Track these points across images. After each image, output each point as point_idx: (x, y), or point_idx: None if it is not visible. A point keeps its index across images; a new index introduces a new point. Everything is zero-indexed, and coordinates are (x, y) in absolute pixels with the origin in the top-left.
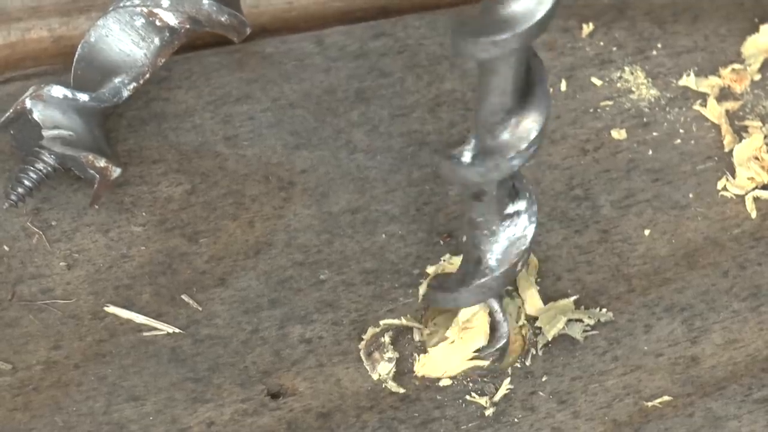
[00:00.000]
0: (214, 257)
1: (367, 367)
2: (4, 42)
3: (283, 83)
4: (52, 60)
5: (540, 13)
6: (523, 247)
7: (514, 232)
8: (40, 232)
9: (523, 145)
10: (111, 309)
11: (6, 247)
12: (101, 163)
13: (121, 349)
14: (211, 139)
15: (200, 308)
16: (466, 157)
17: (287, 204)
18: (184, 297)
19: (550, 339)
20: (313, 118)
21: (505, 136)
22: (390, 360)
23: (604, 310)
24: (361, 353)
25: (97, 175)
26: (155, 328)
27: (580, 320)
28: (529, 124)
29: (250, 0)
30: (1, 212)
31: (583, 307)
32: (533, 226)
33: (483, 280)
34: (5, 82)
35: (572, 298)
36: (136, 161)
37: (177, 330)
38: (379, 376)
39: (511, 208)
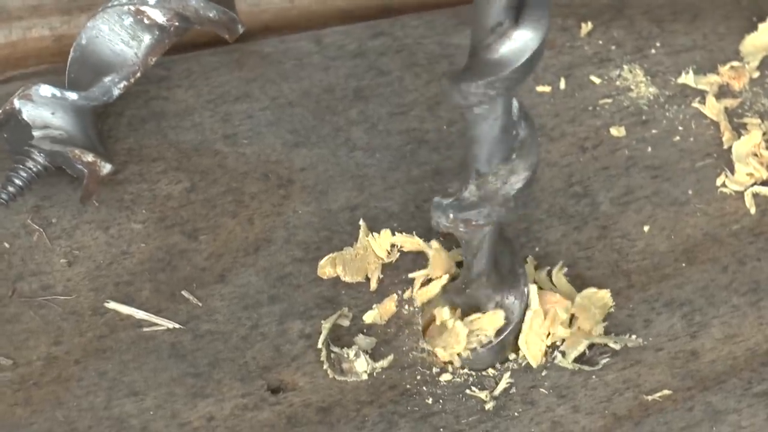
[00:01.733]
0: (213, 254)
1: (350, 379)
2: (5, 41)
3: (282, 82)
4: (54, 59)
5: (524, 57)
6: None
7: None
8: (41, 230)
9: (514, 190)
10: (111, 305)
11: (6, 244)
12: (88, 157)
13: (122, 344)
14: (211, 137)
15: (200, 304)
16: (460, 199)
17: (286, 201)
18: (184, 293)
19: (570, 362)
20: (312, 117)
21: (496, 184)
22: (357, 355)
23: (634, 336)
24: (329, 372)
25: (86, 170)
26: (155, 324)
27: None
28: (520, 173)
29: None
30: (2, 210)
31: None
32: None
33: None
34: (6, 81)
35: (607, 291)
36: (135, 159)
37: (177, 326)
38: (367, 371)
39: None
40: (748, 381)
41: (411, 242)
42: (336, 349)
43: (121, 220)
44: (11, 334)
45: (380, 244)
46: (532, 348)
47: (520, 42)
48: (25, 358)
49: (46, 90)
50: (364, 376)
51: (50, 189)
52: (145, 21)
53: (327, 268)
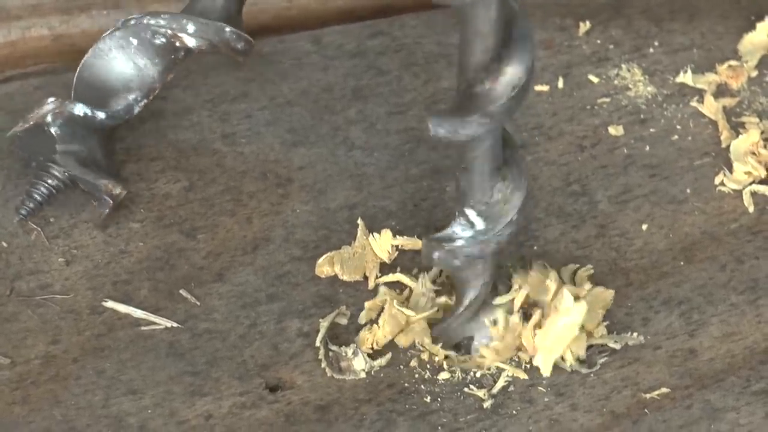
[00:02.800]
0: (212, 253)
1: (348, 377)
2: (4, 40)
3: (280, 82)
4: (53, 58)
5: (511, 94)
6: None
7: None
8: (39, 229)
9: (508, 94)
10: (109, 304)
11: (4, 243)
12: (117, 190)
13: (120, 343)
14: (209, 136)
15: (198, 303)
16: (457, 235)
17: (285, 200)
18: (182, 292)
19: (569, 365)
20: (310, 116)
21: (488, 84)
22: (355, 353)
23: (635, 334)
24: (327, 371)
25: (111, 201)
26: (153, 323)
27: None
28: (509, 204)
29: None
30: (0, 209)
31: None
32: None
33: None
34: (5, 81)
35: (611, 291)
36: (134, 159)
37: (175, 324)
38: (365, 370)
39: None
40: (747, 379)
41: (412, 243)
42: (334, 348)
43: (119, 219)
44: (9, 333)
45: (381, 245)
46: (550, 355)
47: (508, 77)
48: (23, 357)
49: (80, 109)
50: (362, 375)
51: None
52: (177, 44)
53: (325, 266)
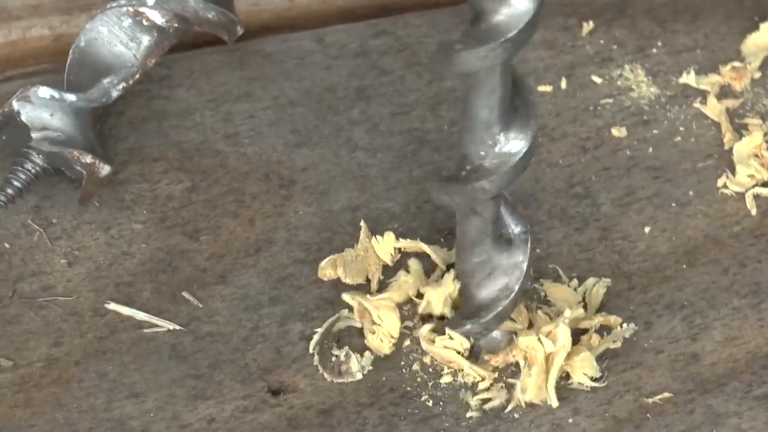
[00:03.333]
0: (214, 255)
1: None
2: (4, 40)
3: (283, 81)
4: (53, 58)
5: (521, 25)
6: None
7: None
8: (41, 230)
9: (510, 164)
10: (112, 306)
11: (7, 245)
12: (87, 159)
13: (122, 346)
14: (212, 137)
15: (201, 305)
16: (456, 175)
17: (288, 202)
18: (185, 294)
19: (587, 385)
20: (313, 117)
21: (491, 154)
22: (347, 355)
23: (626, 324)
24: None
25: (84, 172)
26: (156, 325)
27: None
28: (515, 143)
29: None
30: (2, 210)
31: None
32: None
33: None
34: (6, 81)
35: (619, 320)
36: (137, 159)
37: (178, 327)
38: (360, 370)
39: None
40: (749, 384)
41: (414, 246)
42: (335, 351)
43: (121, 220)
44: (11, 335)
45: (383, 248)
46: (550, 388)
47: (517, 8)
48: (25, 360)
49: (44, 92)
50: (359, 375)
51: (51, 189)
52: (144, 22)
53: (328, 269)
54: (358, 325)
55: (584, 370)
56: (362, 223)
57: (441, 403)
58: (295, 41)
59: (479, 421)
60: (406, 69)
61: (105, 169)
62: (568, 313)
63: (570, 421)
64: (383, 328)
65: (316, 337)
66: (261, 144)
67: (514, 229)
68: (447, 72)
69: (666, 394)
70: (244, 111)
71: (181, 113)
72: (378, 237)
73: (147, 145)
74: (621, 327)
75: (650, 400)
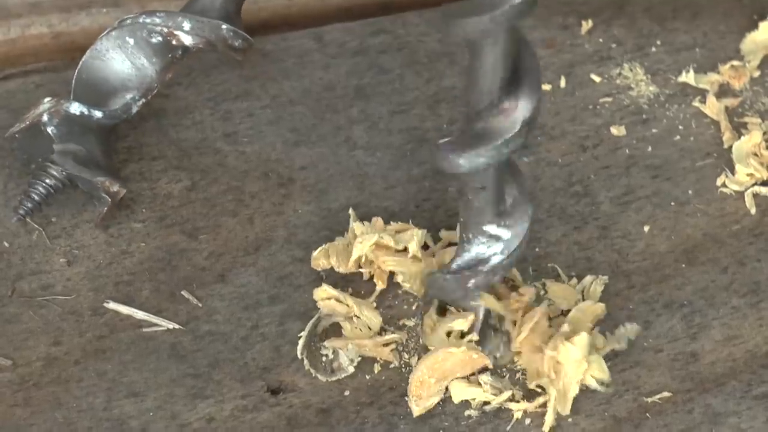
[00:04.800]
0: (213, 253)
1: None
2: (3, 38)
3: (282, 80)
4: (52, 56)
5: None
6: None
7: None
8: (40, 229)
9: (513, 131)
10: (111, 305)
11: (6, 244)
12: (115, 188)
13: (121, 345)
14: (211, 135)
15: (200, 304)
16: (456, 143)
17: (287, 200)
18: (184, 293)
19: (600, 388)
20: (312, 115)
21: (495, 121)
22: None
23: (628, 326)
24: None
25: (110, 199)
26: (155, 324)
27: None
28: (519, 110)
29: None
30: (1, 208)
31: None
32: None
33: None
34: (5, 79)
35: (601, 305)
36: (135, 158)
37: (177, 326)
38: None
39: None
40: (748, 383)
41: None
42: (324, 351)
43: (120, 219)
44: (11, 335)
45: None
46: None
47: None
48: (24, 359)
49: (76, 107)
50: (351, 369)
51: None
52: (174, 42)
53: (321, 260)
54: (339, 319)
55: (594, 373)
56: (350, 211)
57: (440, 402)
58: (294, 40)
59: (478, 420)
60: (405, 67)
61: (122, 193)
62: (566, 327)
63: (569, 420)
64: (363, 320)
65: (301, 342)
66: (260, 142)
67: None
68: (448, 37)
69: (665, 394)
70: (243, 109)
71: (180, 112)
72: (366, 223)
73: (146, 143)
74: (624, 326)
75: (649, 400)
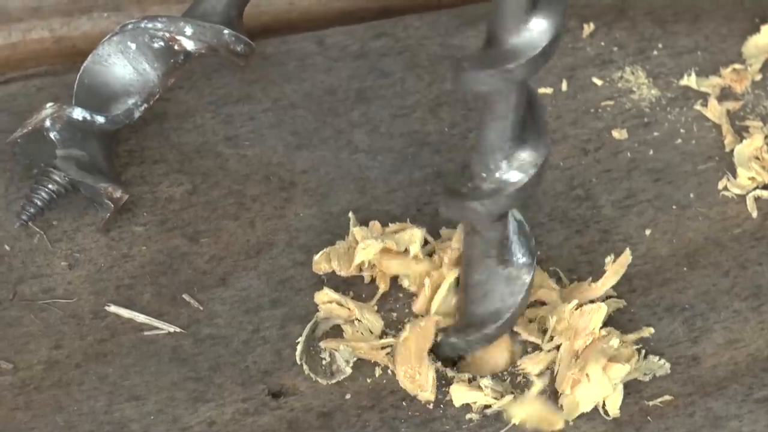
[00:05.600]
0: (215, 257)
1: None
2: (5, 42)
3: (283, 83)
4: (53, 60)
5: (541, 46)
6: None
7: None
8: (42, 232)
9: (506, 192)
10: (112, 308)
11: (7, 247)
12: (118, 194)
13: (123, 348)
14: (212, 139)
15: (201, 308)
16: (458, 189)
17: (288, 204)
18: (185, 297)
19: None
20: (313, 119)
21: (504, 170)
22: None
23: (662, 361)
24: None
25: (112, 205)
26: (156, 328)
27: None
28: (528, 160)
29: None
30: (2, 212)
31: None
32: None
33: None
34: (6, 82)
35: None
36: (137, 161)
37: (178, 329)
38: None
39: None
40: (750, 387)
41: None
42: (322, 355)
43: (122, 222)
44: (12, 338)
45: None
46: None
47: (536, 31)
48: (25, 362)
49: (79, 113)
50: (348, 370)
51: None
52: (176, 47)
53: (322, 263)
54: (340, 322)
55: (609, 403)
56: (350, 214)
57: (441, 405)
58: (295, 43)
59: (480, 423)
60: (407, 71)
61: (124, 198)
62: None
63: (571, 424)
64: (364, 323)
65: (299, 347)
66: (261, 146)
67: (520, 259)
68: (457, 87)
69: (666, 397)
70: (244, 113)
71: (181, 115)
72: (364, 227)
73: (147, 147)
74: (657, 361)
75: (651, 403)
